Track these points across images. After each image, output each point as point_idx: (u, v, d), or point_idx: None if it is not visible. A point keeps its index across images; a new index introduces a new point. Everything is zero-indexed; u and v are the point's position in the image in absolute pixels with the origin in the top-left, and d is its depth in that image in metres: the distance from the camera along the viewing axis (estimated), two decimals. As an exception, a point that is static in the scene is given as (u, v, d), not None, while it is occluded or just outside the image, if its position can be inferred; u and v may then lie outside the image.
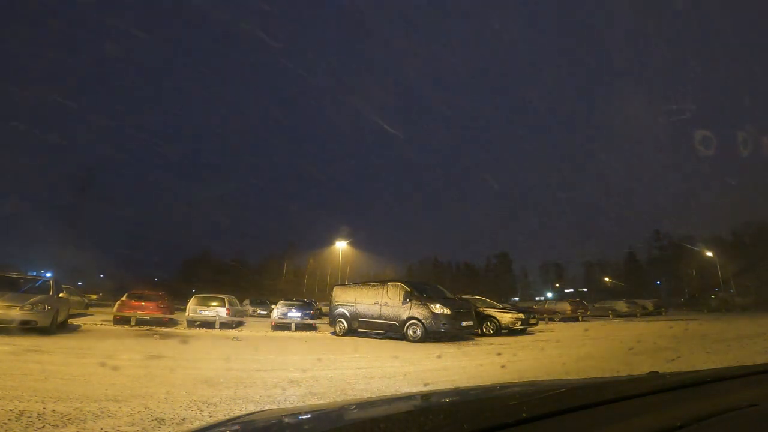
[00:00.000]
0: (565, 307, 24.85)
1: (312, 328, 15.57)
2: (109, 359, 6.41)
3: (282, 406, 3.76)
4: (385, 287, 12.22)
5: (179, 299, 22.40)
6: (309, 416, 1.11)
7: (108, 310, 17.06)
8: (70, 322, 12.31)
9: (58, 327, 9.97)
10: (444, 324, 10.79)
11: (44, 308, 8.78)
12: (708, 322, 16.71)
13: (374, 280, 15.42)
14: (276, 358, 7.62)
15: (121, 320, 13.62)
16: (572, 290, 56.45)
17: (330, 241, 44.44)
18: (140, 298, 14.28)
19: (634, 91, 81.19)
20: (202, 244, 77.61)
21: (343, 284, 15.96)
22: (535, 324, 15.30)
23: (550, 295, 48.83)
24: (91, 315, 17.49)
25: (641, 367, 4.90)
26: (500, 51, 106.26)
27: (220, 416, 3.36)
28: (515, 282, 62.59)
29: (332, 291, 14.24)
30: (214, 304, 14.55)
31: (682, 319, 19.97)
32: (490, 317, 13.42)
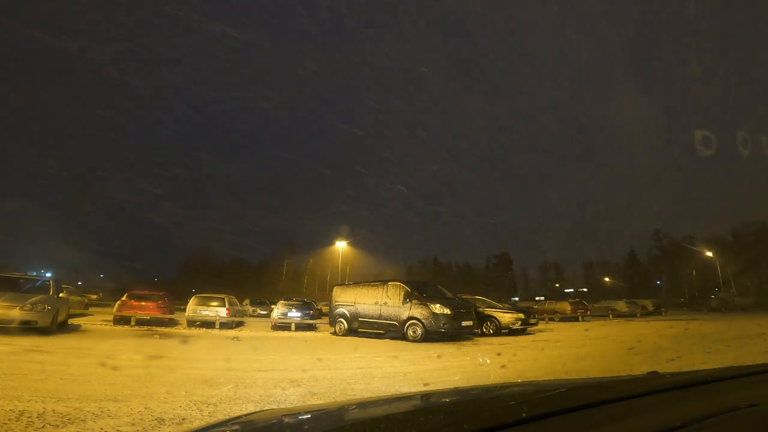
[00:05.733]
0: (565, 307, 24.83)
1: (312, 328, 15.56)
2: (109, 359, 6.41)
3: (282, 406, 3.76)
4: (385, 287, 12.21)
5: (179, 299, 22.38)
6: (309, 416, 1.11)
7: (108, 310, 17.06)
8: (70, 322, 12.31)
9: (58, 327, 9.97)
10: (444, 324, 10.78)
11: (44, 308, 8.78)
12: (708, 322, 16.70)
13: (374, 280, 15.38)
14: (276, 358, 7.62)
15: (121, 320, 13.62)
16: (572, 290, 56.49)
17: (330, 241, 44.48)
18: (140, 298, 14.27)
19: (635, 90, 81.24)
20: (202, 244, 77.58)
21: (343, 284, 15.93)
22: (535, 324, 15.28)
23: (550, 294, 48.84)
24: (91, 315, 17.49)
25: (641, 367, 4.91)
26: (498, 50, 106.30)
27: (220, 416, 3.36)
28: (515, 282, 62.71)
29: (332, 291, 14.25)
30: (214, 304, 14.54)
31: (682, 319, 19.94)
32: (490, 317, 13.41)
